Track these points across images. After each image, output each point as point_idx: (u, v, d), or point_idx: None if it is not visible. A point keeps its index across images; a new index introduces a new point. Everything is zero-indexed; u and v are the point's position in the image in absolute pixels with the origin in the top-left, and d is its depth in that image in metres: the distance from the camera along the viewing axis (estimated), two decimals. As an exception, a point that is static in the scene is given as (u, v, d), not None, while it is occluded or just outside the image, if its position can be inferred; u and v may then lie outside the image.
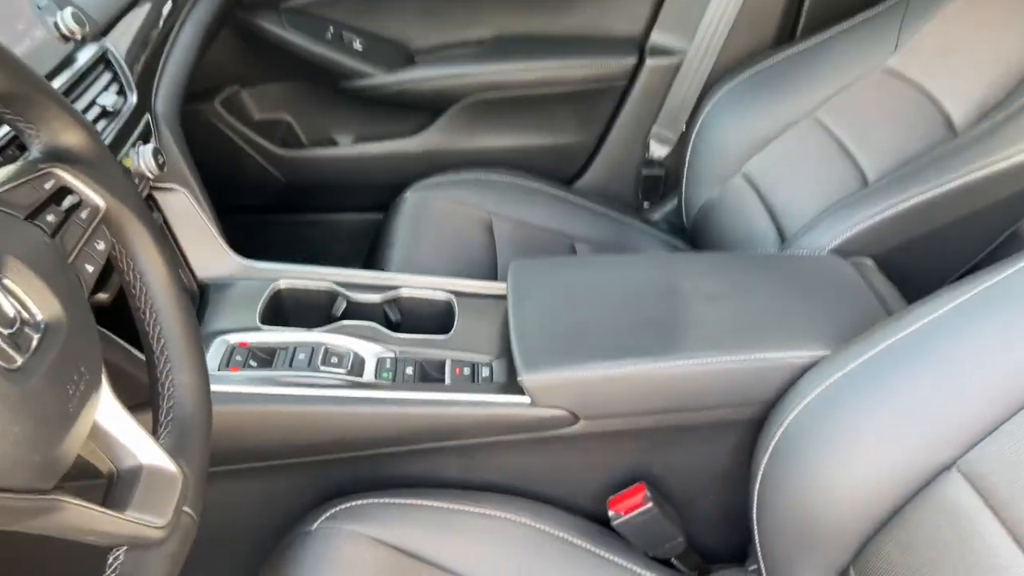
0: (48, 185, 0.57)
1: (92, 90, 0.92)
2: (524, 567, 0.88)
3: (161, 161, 0.94)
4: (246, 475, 0.94)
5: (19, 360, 0.46)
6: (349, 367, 0.92)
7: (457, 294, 1.06)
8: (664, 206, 1.68)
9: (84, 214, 0.58)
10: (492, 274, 1.35)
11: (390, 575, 0.84)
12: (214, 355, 0.93)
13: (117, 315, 0.74)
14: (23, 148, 0.60)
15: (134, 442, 0.55)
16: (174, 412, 0.62)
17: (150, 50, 1.10)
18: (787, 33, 1.55)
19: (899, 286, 1.02)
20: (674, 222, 1.64)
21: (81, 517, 0.47)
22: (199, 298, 1.05)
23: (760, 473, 0.84)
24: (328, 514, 0.88)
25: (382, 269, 1.33)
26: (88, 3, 0.97)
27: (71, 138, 0.60)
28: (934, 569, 0.70)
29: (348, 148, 1.68)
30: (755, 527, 0.86)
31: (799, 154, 1.31)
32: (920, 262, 1.11)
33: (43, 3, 0.88)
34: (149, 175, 0.93)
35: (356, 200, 1.71)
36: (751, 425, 0.90)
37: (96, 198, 0.60)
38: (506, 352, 0.95)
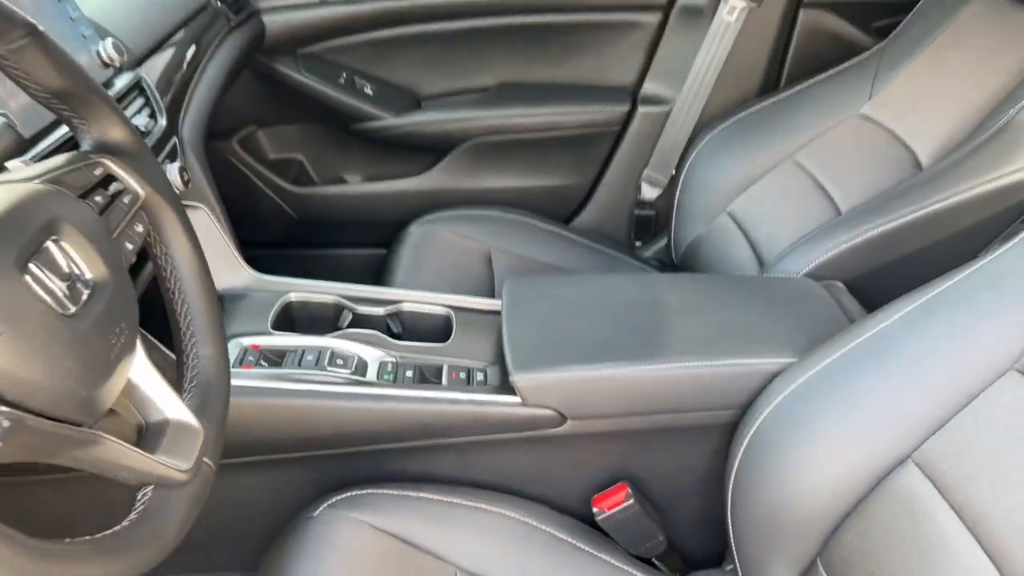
0: (97, 172, 0.65)
1: (127, 112, 1.00)
2: (514, 560, 0.93)
3: (186, 179, 1.02)
4: (254, 468, 1.00)
5: (72, 309, 0.53)
6: (353, 368, 0.99)
7: (455, 309, 1.13)
8: (655, 245, 1.75)
9: (127, 199, 0.66)
10: (490, 302, 1.42)
11: (387, 560, 0.88)
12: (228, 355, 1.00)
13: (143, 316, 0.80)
14: (76, 146, 0.68)
15: (163, 399, 0.62)
16: (198, 379, 0.69)
17: (176, 86, 1.20)
18: (772, 84, 1.66)
19: (868, 310, 1.07)
20: (664, 260, 1.72)
21: (116, 453, 0.54)
22: (216, 305, 1.12)
23: (733, 473, 0.89)
24: (330, 502, 0.93)
25: None
26: (126, 36, 1.07)
27: (117, 134, 0.68)
28: (890, 552, 0.75)
29: (357, 186, 1.77)
30: (730, 526, 0.90)
31: (779, 193, 1.39)
32: (888, 287, 1.17)
33: (87, 32, 0.97)
34: (175, 191, 1.01)
35: (363, 236, 1.79)
36: (727, 429, 0.96)
37: (137, 187, 0.68)
38: (499, 360, 1.02)
